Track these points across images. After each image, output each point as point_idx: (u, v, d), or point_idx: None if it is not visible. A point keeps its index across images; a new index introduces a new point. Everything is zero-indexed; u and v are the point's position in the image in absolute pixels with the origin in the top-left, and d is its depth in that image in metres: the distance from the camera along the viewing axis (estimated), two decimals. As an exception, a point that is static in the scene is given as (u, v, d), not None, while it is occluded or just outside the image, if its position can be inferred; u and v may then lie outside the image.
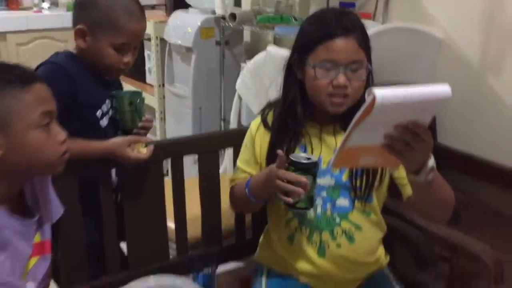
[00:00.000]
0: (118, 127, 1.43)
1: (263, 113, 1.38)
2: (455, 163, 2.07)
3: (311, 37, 1.22)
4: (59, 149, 1.03)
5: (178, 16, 2.83)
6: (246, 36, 2.96)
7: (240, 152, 1.40)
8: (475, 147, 1.98)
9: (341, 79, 1.18)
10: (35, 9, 3.88)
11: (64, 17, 3.82)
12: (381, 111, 0.88)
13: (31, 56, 3.63)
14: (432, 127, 2.12)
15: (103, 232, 1.35)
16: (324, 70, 1.19)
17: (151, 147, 1.32)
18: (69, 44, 3.80)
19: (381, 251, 1.37)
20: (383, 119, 0.93)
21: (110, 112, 1.41)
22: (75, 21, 1.34)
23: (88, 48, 1.32)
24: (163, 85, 3.04)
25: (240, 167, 1.38)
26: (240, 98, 2.28)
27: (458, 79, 2.05)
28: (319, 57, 1.19)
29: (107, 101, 1.40)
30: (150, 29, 2.94)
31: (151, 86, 3.15)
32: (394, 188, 1.35)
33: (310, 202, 1.18)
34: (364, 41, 1.21)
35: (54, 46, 3.76)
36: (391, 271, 1.40)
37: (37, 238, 1.09)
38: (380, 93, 0.87)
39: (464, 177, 1.99)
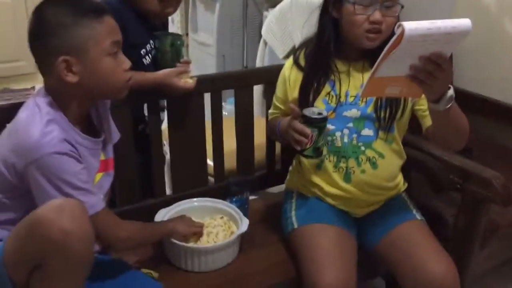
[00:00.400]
0: (159, 66, 1.56)
1: (295, 54, 1.50)
2: (469, 105, 2.19)
3: None
4: (125, 75, 1.15)
5: (202, -34, 2.91)
6: (268, -16, 3.03)
7: (276, 90, 1.54)
8: (488, 89, 2.10)
9: (377, 15, 1.30)
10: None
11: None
12: (409, 42, 1.00)
13: None
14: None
15: (152, 158, 1.51)
16: (362, 6, 1.30)
17: (195, 78, 1.46)
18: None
19: (400, 177, 1.52)
20: (409, 51, 1.04)
21: (153, 52, 1.54)
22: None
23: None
24: (187, 34, 3.15)
25: (275, 103, 1.54)
26: (265, 43, 2.39)
27: (475, 24, 2.13)
28: None
29: (151, 41, 1.52)
30: None
31: (175, 35, 3.26)
32: (413, 124, 1.49)
33: (317, 152, 1.32)
34: None
35: None
36: (408, 197, 1.56)
37: (102, 156, 1.25)
38: (409, 25, 0.98)
39: (476, 117, 2.11)
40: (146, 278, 1.27)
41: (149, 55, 1.53)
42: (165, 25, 1.65)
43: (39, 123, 1.06)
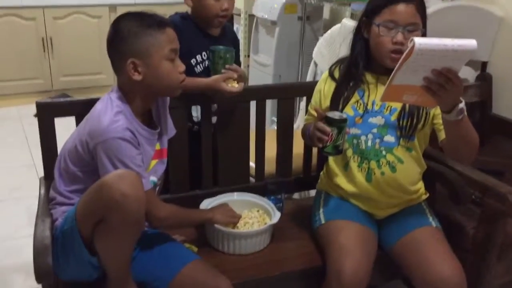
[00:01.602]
0: (210, 75, 1.76)
1: (331, 68, 1.71)
2: (505, 131, 2.29)
3: (379, 2, 1.52)
4: (179, 77, 1.40)
5: (266, -8, 3.18)
6: (325, 12, 3.26)
7: (312, 99, 1.76)
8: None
9: (400, 37, 1.48)
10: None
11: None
12: (419, 55, 1.16)
13: (67, 30, 4.12)
14: (486, 100, 2.34)
15: (202, 154, 1.76)
16: (386, 28, 1.49)
17: (242, 84, 1.68)
18: (102, 21, 4.23)
19: (420, 184, 1.66)
20: (422, 63, 1.20)
21: (206, 63, 1.77)
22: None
23: (194, 5, 1.67)
24: (248, 56, 3.42)
25: (309, 110, 1.75)
26: (315, 65, 2.61)
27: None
28: (383, 17, 1.50)
29: (204, 53, 1.75)
30: (240, 5, 3.33)
31: (238, 56, 3.55)
32: (436, 142, 1.62)
33: (336, 149, 1.49)
34: (421, 8, 1.51)
35: (87, 22, 4.22)
36: (427, 205, 1.69)
37: (157, 146, 1.50)
38: (419, 40, 1.15)
39: (512, 143, 2.20)
40: (188, 250, 1.50)
41: (201, 64, 1.76)
42: (225, 33, 1.85)
43: (109, 113, 1.33)
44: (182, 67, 1.41)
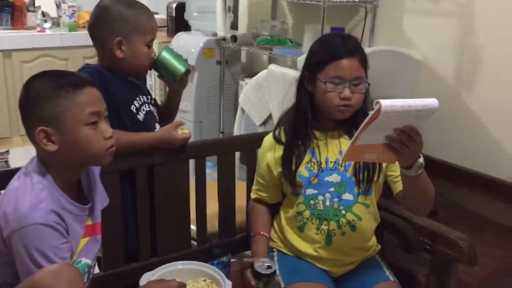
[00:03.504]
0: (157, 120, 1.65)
1: (275, 132, 1.62)
2: (433, 170, 2.33)
3: (322, 57, 1.48)
4: (105, 144, 1.19)
5: (181, 37, 3.08)
6: (243, 56, 3.22)
7: (257, 167, 1.66)
8: (450, 155, 2.25)
9: (347, 92, 1.45)
10: (38, 28, 4.07)
11: (65, 37, 4.05)
12: (385, 117, 1.14)
13: (34, 73, 3.82)
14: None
15: (138, 221, 1.57)
16: (333, 85, 1.45)
17: (189, 130, 1.59)
18: (69, 62, 4.05)
19: (373, 239, 1.62)
20: (385, 124, 1.18)
21: (146, 106, 1.61)
22: (105, 38, 1.51)
23: (125, 55, 1.53)
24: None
25: (257, 179, 1.66)
26: (242, 111, 2.53)
27: (435, 95, 2.31)
28: (329, 74, 1.45)
29: (138, 98, 1.59)
30: (156, 49, 3.17)
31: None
32: (384, 190, 1.60)
33: None
34: (364, 61, 1.49)
35: (55, 64, 3.98)
36: (381, 258, 1.64)
37: (89, 221, 1.29)
38: (385, 102, 1.13)
39: (440, 181, 2.25)
40: None
41: (141, 110, 1.60)
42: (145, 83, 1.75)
43: (29, 193, 1.11)
44: (108, 131, 1.20)
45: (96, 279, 1.43)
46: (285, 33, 2.87)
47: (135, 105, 1.58)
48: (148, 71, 1.65)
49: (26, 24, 4.04)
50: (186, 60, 1.68)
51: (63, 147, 1.15)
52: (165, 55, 1.61)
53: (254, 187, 1.69)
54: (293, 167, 1.52)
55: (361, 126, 1.18)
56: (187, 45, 2.98)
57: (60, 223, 1.13)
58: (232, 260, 1.74)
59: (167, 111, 1.76)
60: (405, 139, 1.21)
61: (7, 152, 3.77)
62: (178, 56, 1.66)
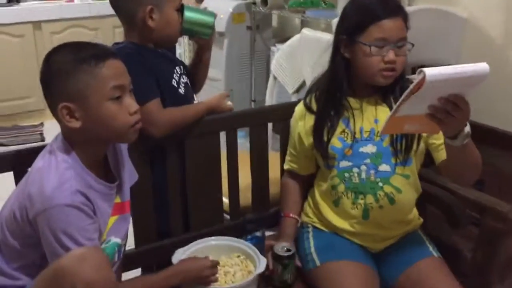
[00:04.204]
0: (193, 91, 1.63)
1: (305, 99, 1.53)
2: (479, 136, 2.21)
3: (361, 18, 1.36)
4: (130, 119, 1.13)
5: (210, 2, 2.96)
6: (274, 21, 3.09)
7: (289, 137, 1.58)
8: (498, 121, 2.11)
9: (392, 55, 1.34)
10: (67, -2, 4.03)
11: (94, 6, 3.99)
12: (430, 87, 1.02)
13: None
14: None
15: (168, 197, 1.52)
16: (377, 48, 1.34)
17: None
18: (99, 32, 4.01)
19: (415, 212, 1.52)
20: (430, 94, 1.07)
21: (184, 78, 1.55)
22: (133, 9, 1.42)
23: (157, 25, 1.43)
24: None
25: (290, 150, 1.59)
26: (275, 79, 2.43)
27: (483, 56, 2.16)
28: (372, 36, 1.33)
29: (175, 71, 1.53)
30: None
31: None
32: (426, 158, 1.50)
33: (283, 283, 1.43)
34: (407, 20, 1.38)
35: (85, 35, 3.94)
36: (424, 233, 1.55)
37: (117, 199, 1.24)
38: (430, 72, 1.01)
39: (487, 148, 2.12)
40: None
41: (181, 84, 1.54)
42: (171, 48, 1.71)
43: (54, 172, 1.07)
44: (133, 106, 1.14)
45: (128, 255, 1.40)
46: (319, -6, 2.72)
47: (175, 79, 1.52)
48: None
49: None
50: (205, 8, 1.60)
51: (87, 123, 1.10)
52: (190, 14, 1.51)
53: (287, 157, 1.62)
54: (325, 139, 1.43)
55: (402, 97, 1.07)
56: (216, 11, 2.80)
57: (86, 203, 1.08)
58: (267, 234, 1.69)
59: (201, 70, 1.69)
60: (451, 108, 1.09)
61: (42, 124, 3.80)
62: (199, 10, 1.59)
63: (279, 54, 2.39)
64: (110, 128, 1.12)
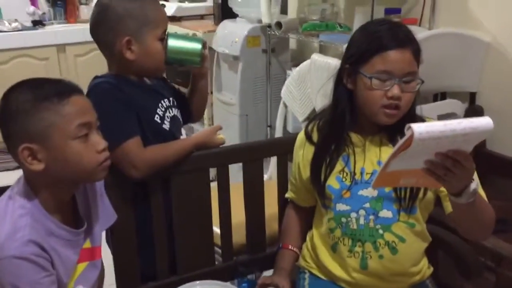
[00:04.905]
0: (182, 123, 1.53)
1: (307, 128, 1.41)
2: (503, 169, 2.03)
3: (366, 48, 1.23)
4: (98, 158, 1.06)
5: (226, 25, 2.90)
6: (292, 43, 2.99)
7: (292, 164, 1.47)
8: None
9: (396, 90, 1.19)
10: (91, 21, 4.06)
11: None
12: (420, 144, 0.90)
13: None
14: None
15: (154, 237, 1.43)
16: (379, 81, 1.20)
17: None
18: (50, 63, 3.84)
19: (424, 262, 1.37)
20: (422, 150, 0.94)
21: (171, 111, 1.45)
22: (110, 41, 1.33)
23: (137, 56, 1.35)
24: (211, 92, 3.12)
25: (290, 180, 1.49)
26: (285, 106, 2.32)
27: (506, 82, 2.00)
28: (374, 68, 1.20)
29: (160, 104, 1.43)
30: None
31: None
32: (437, 198, 1.35)
33: None
34: (417, 53, 1.23)
35: (33, 65, 3.80)
36: (434, 283, 1.39)
37: (87, 244, 1.16)
38: (419, 129, 0.88)
39: (510, 183, 1.94)
40: None
41: (166, 118, 1.44)
42: (164, 78, 1.58)
43: (8, 220, 1.00)
44: (100, 144, 1.07)
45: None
46: (335, 17, 2.61)
47: (159, 114, 1.42)
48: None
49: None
50: (194, 34, 1.51)
51: (51, 165, 1.02)
52: (173, 43, 1.41)
53: (289, 185, 1.52)
54: (322, 177, 1.31)
55: (391, 153, 0.94)
56: (232, 34, 2.80)
57: (40, 254, 1.00)
58: (265, 273, 1.57)
59: (198, 99, 1.59)
60: (451, 165, 0.96)
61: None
62: (185, 37, 1.49)
63: (289, 80, 2.29)
64: (77, 169, 1.05)
